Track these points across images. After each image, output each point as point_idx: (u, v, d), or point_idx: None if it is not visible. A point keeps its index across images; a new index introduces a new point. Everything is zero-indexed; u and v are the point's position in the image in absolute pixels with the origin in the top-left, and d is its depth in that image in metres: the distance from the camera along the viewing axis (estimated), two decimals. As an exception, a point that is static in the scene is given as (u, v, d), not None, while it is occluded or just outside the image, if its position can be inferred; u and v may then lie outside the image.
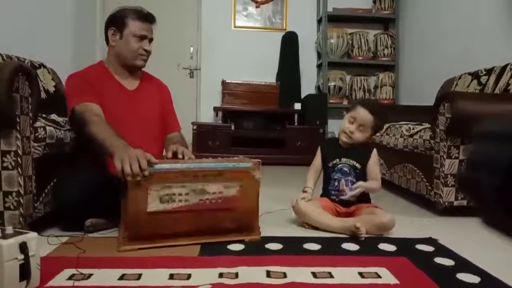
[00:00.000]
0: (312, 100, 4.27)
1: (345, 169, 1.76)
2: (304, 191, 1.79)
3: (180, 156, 1.59)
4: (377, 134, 1.83)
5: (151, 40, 1.83)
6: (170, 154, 1.61)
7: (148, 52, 1.81)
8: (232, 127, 4.01)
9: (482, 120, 0.41)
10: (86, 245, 1.41)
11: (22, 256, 1.00)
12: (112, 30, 1.78)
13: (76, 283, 1.11)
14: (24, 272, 1.01)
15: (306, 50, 4.59)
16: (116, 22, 1.78)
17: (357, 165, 1.75)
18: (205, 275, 1.18)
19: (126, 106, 1.77)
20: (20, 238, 1.01)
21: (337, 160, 1.78)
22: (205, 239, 1.46)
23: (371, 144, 1.84)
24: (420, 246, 1.50)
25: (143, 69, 1.91)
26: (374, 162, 1.77)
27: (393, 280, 1.18)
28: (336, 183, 1.77)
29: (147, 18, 1.81)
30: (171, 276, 1.17)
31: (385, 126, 2.66)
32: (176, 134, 1.93)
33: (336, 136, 1.91)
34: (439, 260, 1.36)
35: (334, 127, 4.28)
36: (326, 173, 1.83)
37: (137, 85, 1.86)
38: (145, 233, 1.38)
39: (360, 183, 1.69)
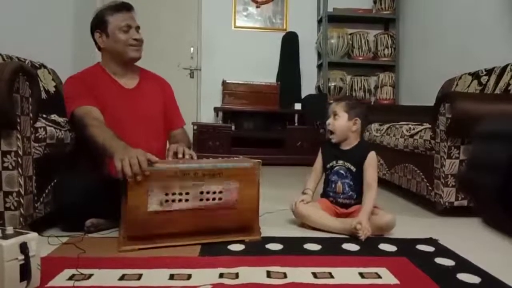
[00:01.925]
0: (312, 100, 4.27)
1: (341, 171, 1.75)
2: (304, 193, 1.79)
3: (180, 155, 1.59)
4: (361, 120, 1.75)
5: (137, 28, 1.79)
6: (171, 154, 1.61)
7: (138, 41, 1.78)
8: (233, 128, 4.01)
9: (482, 120, 0.41)
10: (87, 245, 1.41)
11: (22, 257, 1.00)
12: (98, 33, 1.77)
13: (77, 283, 1.11)
14: (25, 272, 1.01)
15: (306, 50, 4.60)
16: (98, 24, 1.77)
17: (352, 167, 1.73)
18: (205, 275, 1.18)
19: (126, 105, 1.76)
20: (21, 239, 1.01)
21: (334, 162, 1.77)
22: (206, 239, 1.46)
23: (369, 145, 1.81)
24: (420, 246, 1.50)
25: (142, 67, 1.91)
26: (369, 166, 1.71)
27: (393, 280, 1.18)
28: (333, 185, 1.77)
29: (124, 7, 1.78)
30: (172, 277, 1.17)
31: (386, 126, 2.66)
32: (180, 131, 1.92)
33: None
34: (439, 260, 1.36)
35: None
36: (325, 175, 1.83)
37: (136, 83, 1.85)
38: (145, 233, 1.38)
39: (363, 221, 1.56)
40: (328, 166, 1.79)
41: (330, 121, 1.78)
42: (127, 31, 1.75)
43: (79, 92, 1.68)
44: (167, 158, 1.62)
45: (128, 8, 1.79)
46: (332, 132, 1.77)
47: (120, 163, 1.30)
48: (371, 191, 1.67)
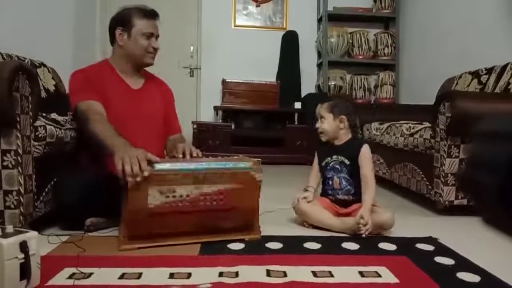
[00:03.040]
0: (312, 99, 4.26)
1: (337, 166, 1.76)
2: (306, 190, 1.80)
3: (188, 155, 1.61)
4: (348, 116, 1.75)
5: (157, 37, 1.83)
6: (180, 152, 1.63)
7: (156, 50, 1.82)
8: (232, 126, 4.01)
9: (483, 119, 0.41)
10: (87, 244, 1.41)
11: (22, 255, 1.00)
12: (119, 30, 1.77)
13: (77, 282, 1.11)
14: (25, 271, 1.01)
15: (306, 49, 4.59)
16: (122, 22, 1.77)
17: (346, 160, 1.74)
18: (205, 274, 1.18)
19: (130, 105, 1.77)
20: (21, 237, 1.01)
21: (329, 158, 1.79)
22: (206, 238, 1.46)
23: (362, 140, 1.81)
24: (420, 245, 1.50)
25: (146, 70, 1.92)
26: (364, 160, 1.71)
27: (393, 279, 1.18)
28: (330, 182, 1.78)
29: (153, 15, 1.81)
30: (171, 275, 1.17)
31: (386, 125, 2.66)
32: (178, 135, 1.94)
33: None
34: (439, 259, 1.36)
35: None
36: (322, 174, 1.83)
37: (141, 84, 1.87)
38: (145, 232, 1.38)
39: (365, 217, 1.56)
40: (323, 164, 1.81)
41: (318, 124, 1.82)
42: (149, 38, 1.78)
43: (84, 86, 1.69)
44: (177, 156, 1.64)
45: (155, 16, 1.82)
46: (321, 133, 1.82)
47: (121, 161, 1.30)
48: (369, 185, 1.67)
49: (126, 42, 1.78)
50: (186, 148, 1.64)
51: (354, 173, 1.73)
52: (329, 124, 1.77)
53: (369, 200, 1.64)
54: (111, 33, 1.81)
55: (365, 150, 1.73)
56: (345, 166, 1.74)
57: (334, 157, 1.77)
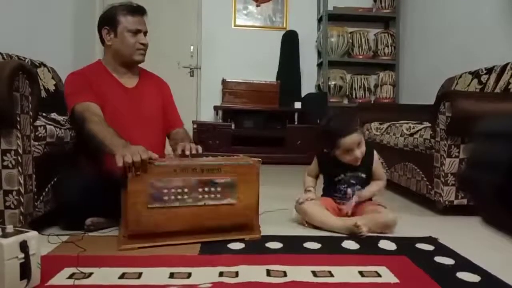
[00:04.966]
0: (312, 99, 4.27)
1: (352, 181, 1.75)
2: (308, 190, 1.80)
3: (187, 152, 1.59)
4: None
5: (145, 33, 1.81)
6: (179, 151, 1.61)
7: (145, 46, 1.80)
8: (233, 126, 4.01)
9: (483, 119, 0.41)
10: (87, 244, 1.41)
11: (22, 255, 1.01)
12: (106, 30, 1.76)
13: (77, 282, 1.11)
14: (25, 271, 1.01)
15: (306, 49, 4.59)
16: (108, 21, 1.76)
17: (363, 175, 1.76)
18: (205, 274, 1.18)
19: (126, 104, 1.77)
20: (21, 237, 1.01)
21: (343, 175, 1.76)
22: (206, 238, 1.46)
23: (369, 146, 1.79)
24: (420, 245, 1.50)
25: (141, 66, 1.92)
26: (377, 164, 1.78)
27: (393, 279, 1.18)
28: (342, 192, 1.76)
29: (138, 11, 1.79)
30: (171, 275, 1.17)
31: (386, 125, 2.66)
32: (181, 130, 1.93)
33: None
34: (439, 259, 1.36)
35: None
36: (331, 182, 1.80)
37: (136, 82, 1.86)
38: (145, 231, 1.38)
39: (360, 195, 1.73)
40: (336, 179, 1.77)
41: (357, 152, 1.69)
42: (136, 35, 1.76)
43: (80, 88, 1.69)
44: (175, 155, 1.63)
45: (142, 12, 1.80)
46: (357, 160, 1.72)
47: (122, 159, 1.30)
48: (379, 183, 1.79)
49: (113, 41, 1.76)
50: (186, 146, 1.62)
51: (367, 182, 1.77)
52: (363, 148, 1.72)
53: (372, 188, 1.76)
54: (100, 33, 1.80)
55: (377, 157, 1.79)
56: (362, 179, 1.76)
57: (349, 174, 1.75)
